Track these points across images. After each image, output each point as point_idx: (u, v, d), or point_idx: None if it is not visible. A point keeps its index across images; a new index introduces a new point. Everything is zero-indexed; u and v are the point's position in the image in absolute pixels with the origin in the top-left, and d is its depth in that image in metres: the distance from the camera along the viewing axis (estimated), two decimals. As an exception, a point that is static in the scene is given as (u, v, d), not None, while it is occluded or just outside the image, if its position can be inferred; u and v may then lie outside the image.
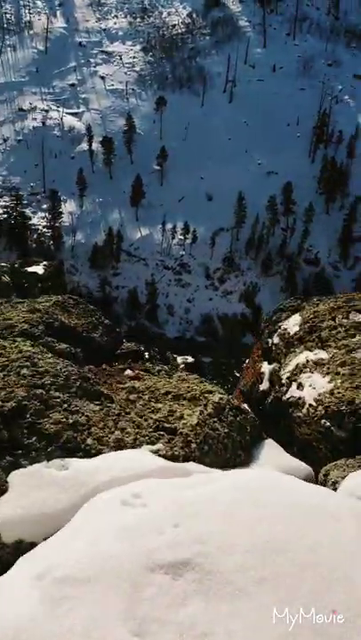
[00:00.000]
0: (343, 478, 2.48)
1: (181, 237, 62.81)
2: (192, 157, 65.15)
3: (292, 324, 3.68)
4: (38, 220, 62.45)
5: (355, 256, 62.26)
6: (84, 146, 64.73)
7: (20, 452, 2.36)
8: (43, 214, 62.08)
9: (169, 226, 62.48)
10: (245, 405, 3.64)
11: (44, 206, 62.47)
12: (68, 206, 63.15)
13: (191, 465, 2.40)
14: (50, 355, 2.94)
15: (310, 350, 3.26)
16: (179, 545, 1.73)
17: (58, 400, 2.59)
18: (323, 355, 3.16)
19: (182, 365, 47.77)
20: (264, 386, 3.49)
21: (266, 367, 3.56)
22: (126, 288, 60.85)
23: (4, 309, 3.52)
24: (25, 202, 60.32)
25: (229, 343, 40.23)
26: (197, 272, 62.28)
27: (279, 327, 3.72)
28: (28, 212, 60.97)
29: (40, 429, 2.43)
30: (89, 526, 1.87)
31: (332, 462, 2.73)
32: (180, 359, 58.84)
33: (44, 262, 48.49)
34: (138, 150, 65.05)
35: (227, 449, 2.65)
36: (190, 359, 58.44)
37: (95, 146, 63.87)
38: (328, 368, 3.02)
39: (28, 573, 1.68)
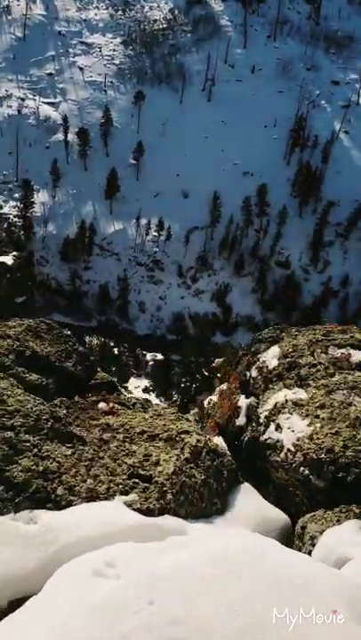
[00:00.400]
0: (321, 533, 2.41)
1: (155, 234, 62.58)
2: (169, 153, 64.92)
3: (271, 356, 3.61)
4: (9, 209, 61.39)
5: (324, 260, 63.02)
6: (60, 136, 63.84)
7: (-15, 502, 2.23)
8: (14, 203, 61.06)
9: (143, 221, 62.17)
10: (221, 439, 3.55)
11: (16, 195, 61.42)
12: (41, 196, 62.25)
13: (166, 519, 2.31)
14: (20, 390, 2.80)
15: (289, 389, 3.19)
16: (154, 628, 1.63)
17: (28, 444, 2.46)
18: (302, 394, 3.10)
19: (152, 362, 47.80)
20: (241, 421, 3.41)
21: (243, 401, 3.49)
22: (97, 282, 60.33)
23: (-27, 333, 3.36)
24: (-4, 190, 59.30)
25: (199, 342, 40.19)
26: (170, 270, 62.16)
27: (258, 359, 3.65)
28: (-1, 200, 59.97)
29: (8, 477, 2.30)
30: (59, 600, 1.75)
31: (309, 512, 2.67)
32: (149, 356, 58.80)
33: (14, 252, 47.85)
34: (114, 143, 64.51)
35: (203, 498, 2.56)
36: (160, 356, 58.51)
37: (71, 137, 63.08)
38: (307, 410, 2.96)
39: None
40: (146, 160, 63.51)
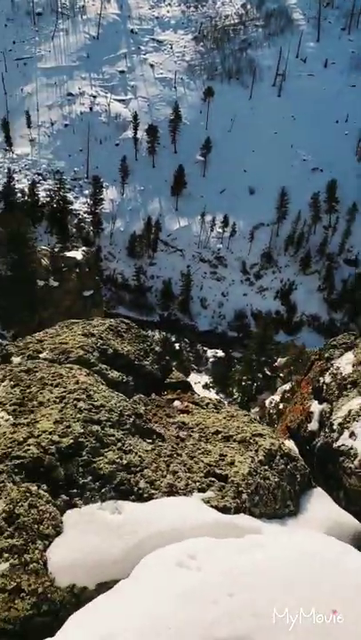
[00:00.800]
0: (394, 541, 2.45)
1: (220, 230, 62.58)
2: (236, 149, 64.66)
3: (345, 363, 3.63)
4: (80, 205, 62.95)
5: (396, 259, 61.10)
6: (130, 133, 64.88)
7: (75, 491, 2.40)
8: (84, 200, 62.56)
9: (208, 218, 62.30)
10: (292, 443, 3.62)
11: (86, 192, 62.93)
12: (110, 193, 63.49)
13: (242, 518, 2.40)
14: (104, 386, 2.97)
15: (364, 396, 3.22)
16: (236, 618, 1.74)
17: (112, 438, 2.61)
18: (377, 402, 3.12)
19: (212, 359, 47.71)
20: (313, 426, 3.46)
21: (316, 407, 3.53)
22: (161, 278, 61.01)
23: (60, 331, 3.57)
24: (68, 186, 60.86)
25: (262, 340, 39.89)
26: (234, 266, 62.03)
27: (331, 365, 3.68)
28: (70, 196, 61.52)
29: (95, 469, 2.46)
30: (147, 587, 1.89)
31: (382, 519, 2.71)
32: (210, 352, 58.87)
33: (83, 248, 49.02)
34: (182, 140, 64.87)
35: (276, 499, 2.64)
36: (221, 353, 58.44)
37: (140, 133, 63.96)
38: (382, 418, 2.98)
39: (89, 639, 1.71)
40: (213, 156, 63.55)
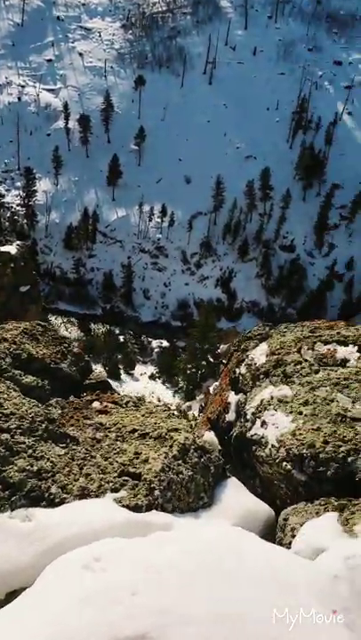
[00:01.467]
0: (301, 525, 2.56)
1: (159, 220, 62.50)
2: (170, 138, 64.64)
3: (259, 353, 3.74)
4: (12, 198, 61.43)
5: (329, 243, 62.84)
6: (61, 123, 63.68)
7: (-17, 501, 2.38)
8: (17, 192, 61.05)
9: (146, 208, 62.08)
10: (212, 434, 3.70)
11: (18, 184, 61.42)
12: (43, 185, 62.20)
13: (153, 515, 2.45)
14: (16, 393, 2.94)
15: (275, 385, 3.32)
16: (136, 616, 1.78)
17: (23, 446, 2.60)
18: (287, 391, 3.23)
19: (157, 349, 47.67)
20: (230, 417, 3.55)
21: (233, 397, 3.62)
22: (101, 270, 60.45)
23: (-28, 337, 3.50)
24: (-1, 179, 59.35)
25: (204, 328, 40.31)
26: (174, 256, 62.19)
27: (247, 357, 3.77)
28: (1, 189, 60.01)
29: (5, 477, 2.45)
30: (51, 593, 1.91)
31: (292, 504, 2.82)
32: (155, 343, 58.78)
33: (17, 242, 47.83)
34: (115, 129, 64.24)
35: (190, 493, 2.70)
36: (165, 343, 58.51)
37: (72, 124, 62.88)
38: (291, 407, 3.09)
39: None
40: (147, 145, 63.28)
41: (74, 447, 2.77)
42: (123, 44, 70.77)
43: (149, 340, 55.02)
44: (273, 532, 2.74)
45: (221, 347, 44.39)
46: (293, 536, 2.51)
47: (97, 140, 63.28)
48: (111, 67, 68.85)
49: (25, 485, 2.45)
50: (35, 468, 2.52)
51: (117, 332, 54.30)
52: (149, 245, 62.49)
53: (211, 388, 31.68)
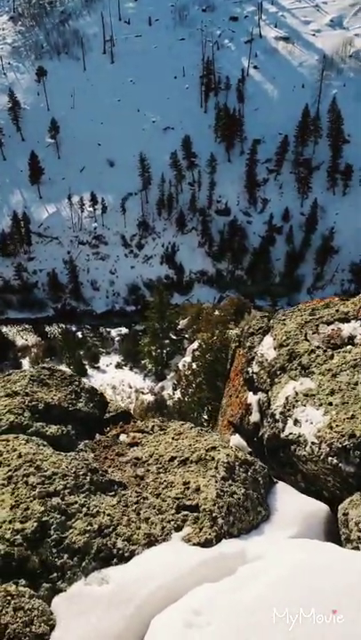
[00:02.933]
0: (364, 518, 2.59)
1: (91, 209, 61.52)
2: (84, 125, 63.34)
3: (266, 347, 3.73)
4: None
5: (262, 199, 63.35)
6: (-31, 130, 61.49)
7: (55, 574, 2.31)
8: None
9: (75, 199, 60.98)
10: (238, 437, 3.70)
11: None
12: (-35, 196, 60.21)
13: (225, 546, 2.43)
14: (49, 450, 2.85)
15: (295, 380, 3.33)
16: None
17: (76, 505, 2.53)
18: (310, 384, 3.24)
19: (117, 338, 47.28)
20: (254, 417, 3.55)
21: (252, 397, 3.61)
22: (44, 271, 59.32)
23: (-21, 396, 3.36)
24: None
25: (160, 308, 40.26)
26: (114, 242, 61.52)
27: (255, 354, 3.76)
28: None
29: (69, 544, 2.38)
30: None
31: (344, 495, 2.85)
32: (114, 332, 58.39)
33: None
34: (27, 126, 62.51)
35: (248, 511, 2.70)
36: (125, 330, 58.19)
37: (-19, 129, 60.78)
38: (319, 399, 3.10)
39: None
40: (63, 136, 61.90)
41: (123, 492, 2.71)
42: (15, 37, 68.40)
43: (108, 330, 54.63)
44: (333, 528, 2.77)
45: (181, 322, 44.59)
46: (360, 530, 2.55)
47: (10, 141, 61.48)
48: (9, 63, 66.57)
49: (92, 547, 2.38)
50: (95, 527, 2.46)
51: (74, 329, 53.61)
52: (87, 236, 61.62)
53: (180, 365, 31.72)
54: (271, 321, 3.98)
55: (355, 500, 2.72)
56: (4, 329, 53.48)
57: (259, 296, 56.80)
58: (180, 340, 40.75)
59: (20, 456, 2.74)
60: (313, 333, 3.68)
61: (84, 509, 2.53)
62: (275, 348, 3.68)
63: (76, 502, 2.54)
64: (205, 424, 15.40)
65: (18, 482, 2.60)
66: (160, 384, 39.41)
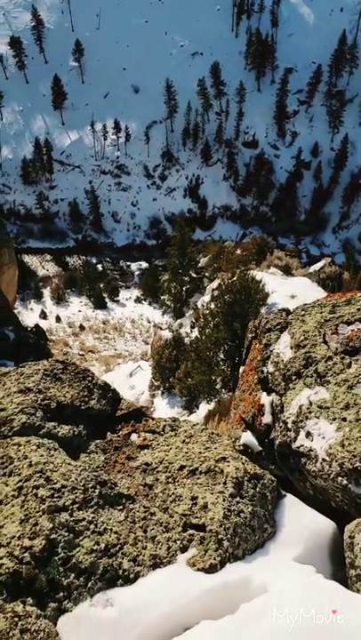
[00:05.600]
0: (370, 544, 2.60)
1: (114, 137, 60.05)
2: (110, 47, 60.80)
3: (283, 346, 3.66)
4: None
5: (291, 131, 61.07)
6: (-9, 50, 59.34)
7: (61, 594, 2.37)
8: None
9: (99, 126, 59.47)
10: (250, 435, 3.69)
11: None
12: (-13, 121, 58.94)
13: (229, 573, 2.46)
14: (59, 459, 2.87)
15: (310, 388, 3.27)
16: None
17: (84, 523, 2.56)
18: (324, 394, 3.18)
19: (137, 272, 47.43)
20: (267, 419, 3.52)
21: (265, 398, 3.58)
22: (66, 200, 58.72)
23: (-8, 389, 3.37)
24: None
25: (181, 244, 39.85)
26: (136, 172, 60.33)
27: (271, 352, 3.69)
28: None
29: (75, 564, 2.43)
30: None
31: (349, 511, 2.85)
32: (134, 266, 58.58)
33: (-25, 188, 45.98)
34: (50, 47, 60.21)
35: (255, 531, 2.72)
36: (145, 264, 58.25)
37: (3, 48, 58.62)
38: (333, 412, 3.05)
39: None
40: (87, 59, 59.60)
41: (131, 506, 2.74)
42: None
43: (128, 264, 54.51)
44: (339, 550, 2.79)
45: (201, 259, 44.17)
46: (365, 557, 2.56)
47: (33, 63, 59.47)
48: (32, -24, 63.23)
49: (98, 568, 2.43)
50: (102, 546, 2.50)
51: (94, 261, 53.61)
52: (109, 166, 60.52)
53: (199, 304, 31.74)
54: (290, 316, 3.88)
55: (362, 524, 2.73)
56: (26, 258, 53.65)
57: (283, 234, 55.88)
58: (200, 279, 40.55)
59: (30, 465, 2.77)
60: (332, 334, 3.58)
61: (92, 526, 2.56)
62: (292, 348, 3.61)
63: (84, 519, 2.58)
64: (221, 363, 15.47)
65: (28, 494, 2.64)
66: (178, 321, 39.61)
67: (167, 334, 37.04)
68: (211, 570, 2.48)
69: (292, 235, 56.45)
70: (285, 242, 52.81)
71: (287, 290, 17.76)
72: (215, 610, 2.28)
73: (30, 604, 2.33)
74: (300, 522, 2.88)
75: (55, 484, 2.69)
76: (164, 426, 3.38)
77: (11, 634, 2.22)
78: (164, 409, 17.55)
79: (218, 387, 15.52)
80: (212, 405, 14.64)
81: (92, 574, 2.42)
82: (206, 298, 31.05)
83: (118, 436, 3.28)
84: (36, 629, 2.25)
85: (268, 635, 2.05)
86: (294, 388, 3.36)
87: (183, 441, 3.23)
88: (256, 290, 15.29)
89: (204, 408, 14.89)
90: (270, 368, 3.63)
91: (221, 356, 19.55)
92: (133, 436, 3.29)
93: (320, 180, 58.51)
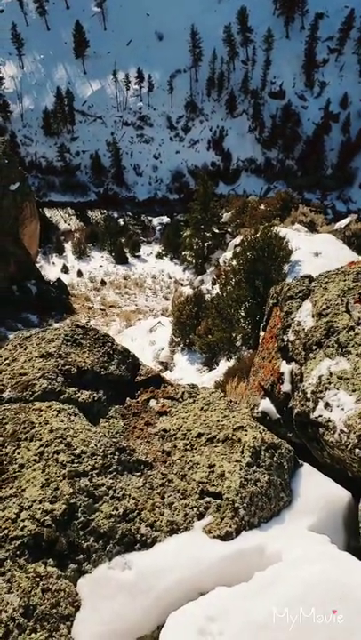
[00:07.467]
0: (384, 516, 2.62)
1: (136, 87, 58.64)
2: (133, -9, 58.65)
3: (305, 314, 3.62)
4: (-22, 90, 57.49)
5: (320, 82, 58.96)
6: (11, -5, 57.69)
7: (81, 556, 2.45)
8: (-18, 83, 56.96)
9: (121, 75, 58.06)
10: (268, 402, 3.70)
11: (-19, 73, 57.16)
12: (8, 70, 57.90)
13: (244, 541, 2.51)
14: (80, 425, 2.92)
15: (331, 358, 3.24)
16: None
17: (103, 488, 2.62)
18: (345, 365, 3.15)
19: (159, 227, 46.94)
20: (285, 387, 3.52)
21: (285, 367, 3.56)
22: (87, 152, 57.95)
23: (15, 353, 3.41)
24: None
25: (204, 198, 39.27)
26: (159, 123, 59.10)
27: (292, 321, 3.66)
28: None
29: (95, 527, 2.50)
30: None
31: (366, 483, 2.88)
32: (155, 221, 58.08)
33: (-4, 137, 45.65)
34: (72, -9, 58.27)
35: (271, 499, 2.75)
36: (166, 219, 57.68)
37: (23, -7, 57.00)
38: (353, 384, 3.03)
39: None
40: (110, 4, 57.69)
41: (149, 472, 2.79)
42: None
43: (149, 218, 54.04)
44: (354, 517, 2.82)
45: (224, 215, 43.56)
46: (380, 528, 2.59)
47: (54, 8, 57.81)
48: None
49: (116, 532, 2.50)
50: (120, 511, 2.56)
51: (116, 215, 53.25)
52: (132, 117, 59.33)
53: (220, 260, 31.49)
54: (312, 284, 3.82)
55: (377, 496, 2.75)
56: (48, 212, 53.49)
57: (308, 189, 54.67)
58: (223, 235, 40.10)
59: (51, 430, 2.82)
60: (355, 302, 3.53)
61: (111, 492, 2.62)
62: (313, 317, 3.57)
63: (103, 485, 2.63)
64: (242, 321, 15.43)
65: (49, 459, 2.70)
66: (199, 277, 39.44)
67: (188, 290, 36.98)
68: (226, 537, 2.53)
69: (317, 190, 55.19)
70: (311, 197, 51.68)
71: (311, 247, 17.51)
72: (230, 576, 2.34)
73: (51, 565, 2.42)
74: (317, 491, 2.92)
75: (75, 449, 2.74)
76: (183, 392, 3.40)
77: (32, 592, 2.31)
78: (183, 365, 17.67)
79: (238, 344, 15.54)
80: (232, 362, 14.67)
81: (111, 538, 2.49)
82: (228, 254, 30.78)
83: (137, 402, 3.32)
84: (56, 589, 2.34)
85: (281, 602, 2.10)
86: (315, 358, 3.34)
87: (201, 408, 3.25)
88: (280, 247, 15.08)
89: (224, 365, 14.94)
90: (291, 336, 3.61)
91: (242, 314, 19.51)
92: (152, 402, 3.32)
93: (348, 133, 56.70)
